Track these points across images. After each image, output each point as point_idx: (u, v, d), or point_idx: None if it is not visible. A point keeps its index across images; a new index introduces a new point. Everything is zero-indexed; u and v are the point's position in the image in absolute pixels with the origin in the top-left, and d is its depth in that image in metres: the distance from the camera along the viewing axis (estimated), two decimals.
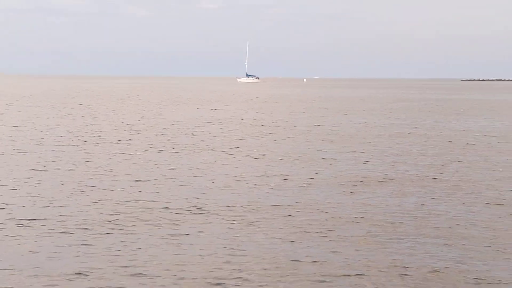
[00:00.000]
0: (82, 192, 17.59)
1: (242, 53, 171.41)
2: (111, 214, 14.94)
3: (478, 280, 10.49)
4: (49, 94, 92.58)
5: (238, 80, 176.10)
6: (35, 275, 10.65)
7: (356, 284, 10.37)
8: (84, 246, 12.30)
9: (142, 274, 10.74)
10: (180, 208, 15.73)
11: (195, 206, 15.78)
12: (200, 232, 13.43)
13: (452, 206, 16.00)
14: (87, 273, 10.67)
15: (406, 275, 10.70)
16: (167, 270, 10.99)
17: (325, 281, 10.56)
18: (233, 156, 24.83)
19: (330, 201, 16.82)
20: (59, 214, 14.96)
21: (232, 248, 12.29)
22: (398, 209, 15.85)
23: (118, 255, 11.77)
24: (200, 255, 11.78)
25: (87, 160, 23.91)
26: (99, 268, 10.95)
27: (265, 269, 11.16)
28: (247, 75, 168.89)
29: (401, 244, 12.59)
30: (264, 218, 14.89)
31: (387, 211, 15.54)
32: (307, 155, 25.40)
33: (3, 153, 26.08)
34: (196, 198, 16.78)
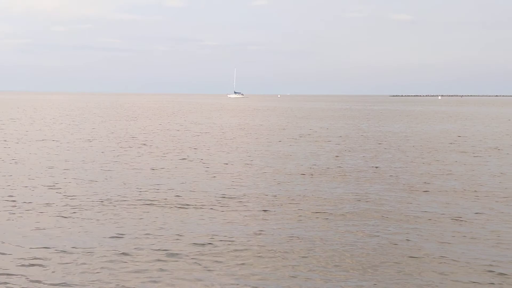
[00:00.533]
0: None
1: (231, 76, 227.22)
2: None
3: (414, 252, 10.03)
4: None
5: (228, 96, 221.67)
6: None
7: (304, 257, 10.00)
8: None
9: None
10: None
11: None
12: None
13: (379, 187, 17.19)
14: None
15: (350, 253, 10.02)
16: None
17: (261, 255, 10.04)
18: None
19: (288, 187, 17.60)
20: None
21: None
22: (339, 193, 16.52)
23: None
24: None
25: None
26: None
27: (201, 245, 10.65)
28: (235, 92, 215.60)
29: (346, 222, 12.49)
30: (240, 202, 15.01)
31: (330, 195, 15.96)
32: (280, 152, 27.92)
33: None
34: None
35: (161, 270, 9.13)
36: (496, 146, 32.12)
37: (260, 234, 11.68)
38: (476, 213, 14.16)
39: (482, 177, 19.99)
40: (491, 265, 9.67)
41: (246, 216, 13.60)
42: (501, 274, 9.11)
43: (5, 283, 8.56)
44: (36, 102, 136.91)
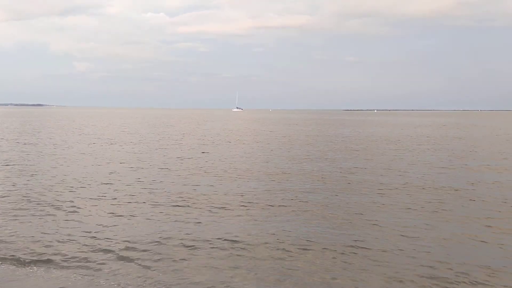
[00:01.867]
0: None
1: (235, 97, 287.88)
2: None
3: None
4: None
5: (233, 110, 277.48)
6: None
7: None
8: None
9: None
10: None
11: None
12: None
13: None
14: None
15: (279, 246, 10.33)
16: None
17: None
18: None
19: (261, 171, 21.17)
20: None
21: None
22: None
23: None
24: None
25: None
26: None
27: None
28: (237, 107, 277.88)
29: (280, 217, 12.83)
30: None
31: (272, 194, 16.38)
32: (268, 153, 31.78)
33: None
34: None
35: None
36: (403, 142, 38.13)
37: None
38: (391, 185, 17.24)
39: (400, 164, 23.97)
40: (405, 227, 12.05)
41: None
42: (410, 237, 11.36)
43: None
44: (113, 114, 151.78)
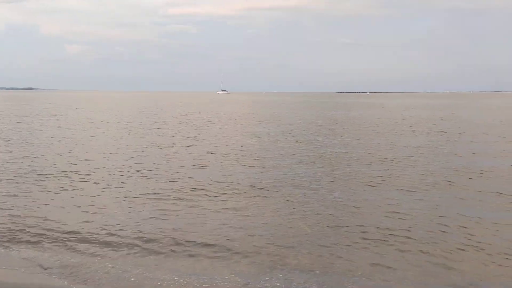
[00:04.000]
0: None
1: (219, 79, 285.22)
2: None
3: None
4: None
5: (217, 92, 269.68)
6: None
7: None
8: None
9: None
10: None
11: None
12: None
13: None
14: None
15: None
16: None
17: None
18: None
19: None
20: None
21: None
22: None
23: None
24: None
25: None
26: None
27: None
28: (222, 90, 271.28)
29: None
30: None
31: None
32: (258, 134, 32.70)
33: None
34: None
35: None
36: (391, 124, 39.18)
37: None
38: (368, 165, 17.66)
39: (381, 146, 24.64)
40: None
41: None
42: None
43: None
44: (110, 99, 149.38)
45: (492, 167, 17.57)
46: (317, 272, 8.22)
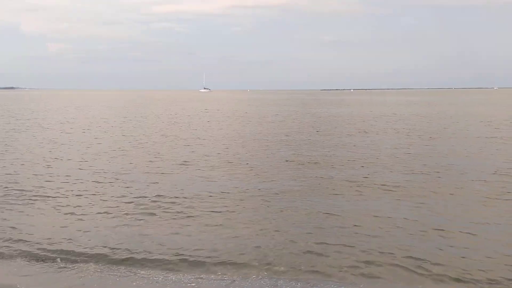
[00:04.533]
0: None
1: (202, 77, 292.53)
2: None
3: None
4: None
5: (200, 90, 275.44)
6: None
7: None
8: None
9: None
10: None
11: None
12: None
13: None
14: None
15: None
16: None
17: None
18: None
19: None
20: None
21: None
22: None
23: None
24: None
25: None
26: None
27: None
28: (204, 88, 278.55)
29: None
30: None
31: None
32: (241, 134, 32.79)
33: None
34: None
35: None
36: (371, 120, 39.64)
37: None
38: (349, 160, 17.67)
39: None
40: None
41: None
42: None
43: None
44: (93, 97, 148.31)
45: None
46: (302, 277, 8.27)
